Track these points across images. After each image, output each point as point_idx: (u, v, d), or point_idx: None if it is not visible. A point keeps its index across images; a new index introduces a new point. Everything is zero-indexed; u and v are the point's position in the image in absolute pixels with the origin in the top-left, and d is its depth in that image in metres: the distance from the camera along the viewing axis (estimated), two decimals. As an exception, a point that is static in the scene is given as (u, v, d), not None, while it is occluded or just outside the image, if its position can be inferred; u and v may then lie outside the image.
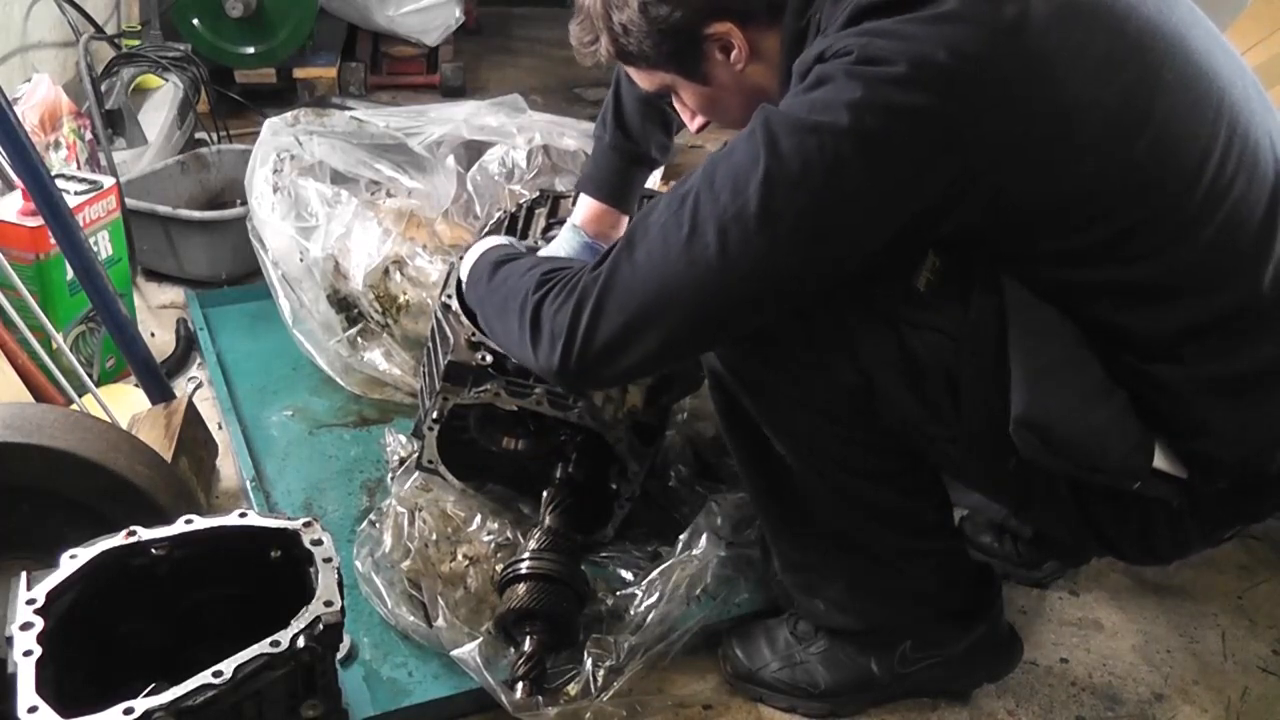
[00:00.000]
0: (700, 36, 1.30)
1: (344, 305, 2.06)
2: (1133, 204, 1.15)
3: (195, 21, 3.33)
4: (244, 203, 2.19)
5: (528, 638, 1.48)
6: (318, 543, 1.19)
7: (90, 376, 1.89)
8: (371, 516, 1.69)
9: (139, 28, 3.23)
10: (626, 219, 1.77)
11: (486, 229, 1.94)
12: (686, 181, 1.18)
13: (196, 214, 2.40)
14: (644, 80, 1.42)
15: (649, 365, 1.29)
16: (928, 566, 1.46)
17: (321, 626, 1.11)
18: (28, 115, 2.26)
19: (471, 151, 2.35)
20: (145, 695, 1.03)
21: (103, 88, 2.73)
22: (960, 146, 1.10)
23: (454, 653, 1.47)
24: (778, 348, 1.29)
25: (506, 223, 1.91)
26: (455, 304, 1.61)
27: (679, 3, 1.28)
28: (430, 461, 1.69)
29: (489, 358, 1.56)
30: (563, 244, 1.73)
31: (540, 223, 1.91)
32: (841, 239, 1.15)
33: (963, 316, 1.21)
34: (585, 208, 1.76)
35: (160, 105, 2.99)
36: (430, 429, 1.66)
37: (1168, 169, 1.14)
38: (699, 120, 1.46)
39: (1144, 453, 1.21)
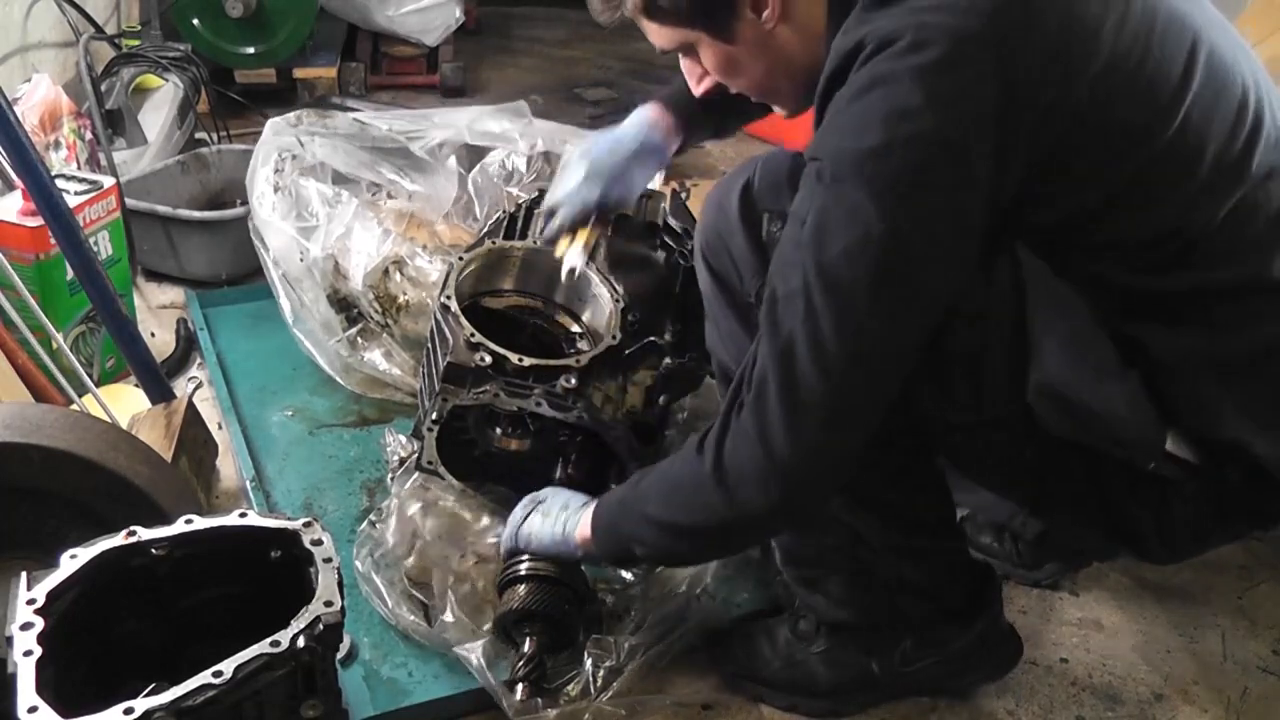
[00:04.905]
0: None
1: (344, 305, 2.06)
2: (1154, 159, 1.15)
3: (195, 21, 3.33)
4: (244, 203, 2.19)
5: (527, 639, 1.48)
6: (318, 543, 1.20)
7: (90, 376, 1.89)
8: (371, 516, 1.69)
9: (139, 28, 3.23)
10: (678, 140, 1.71)
11: (485, 229, 1.94)
12: (790, 279, 1.16)
13: (196, 214, 2.40)
14: (662, 38, 1.37)
15: (859, 437, 1.23)
16: (929, 564, 1.47)
17: (321, 626, 1.11)
18: (28, 115, 2.26)
19: (473, 155, 2.35)
20: (145, 695, 1.03)
21: (103, 88, 2.72)
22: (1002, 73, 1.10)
23: (457, 648, 1.48)
24: None
25: (505, 223, 1.91)
26: (454, 305, 1.61)
27: None
28: (430, 462, 1.69)
29: (488, 359, 1.56)
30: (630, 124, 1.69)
31: (539, 224, 1.91)
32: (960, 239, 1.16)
33: (985, 293, 1.21)
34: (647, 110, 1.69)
35: (160, 105, 2.99)
36: (430, 430, 1.65)
37: (1206, 133, 1.16)
38: (707, 82, 1.42)
39: (1159, 430, 1.22)
